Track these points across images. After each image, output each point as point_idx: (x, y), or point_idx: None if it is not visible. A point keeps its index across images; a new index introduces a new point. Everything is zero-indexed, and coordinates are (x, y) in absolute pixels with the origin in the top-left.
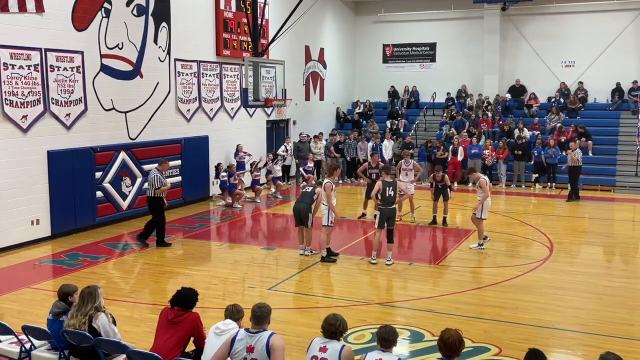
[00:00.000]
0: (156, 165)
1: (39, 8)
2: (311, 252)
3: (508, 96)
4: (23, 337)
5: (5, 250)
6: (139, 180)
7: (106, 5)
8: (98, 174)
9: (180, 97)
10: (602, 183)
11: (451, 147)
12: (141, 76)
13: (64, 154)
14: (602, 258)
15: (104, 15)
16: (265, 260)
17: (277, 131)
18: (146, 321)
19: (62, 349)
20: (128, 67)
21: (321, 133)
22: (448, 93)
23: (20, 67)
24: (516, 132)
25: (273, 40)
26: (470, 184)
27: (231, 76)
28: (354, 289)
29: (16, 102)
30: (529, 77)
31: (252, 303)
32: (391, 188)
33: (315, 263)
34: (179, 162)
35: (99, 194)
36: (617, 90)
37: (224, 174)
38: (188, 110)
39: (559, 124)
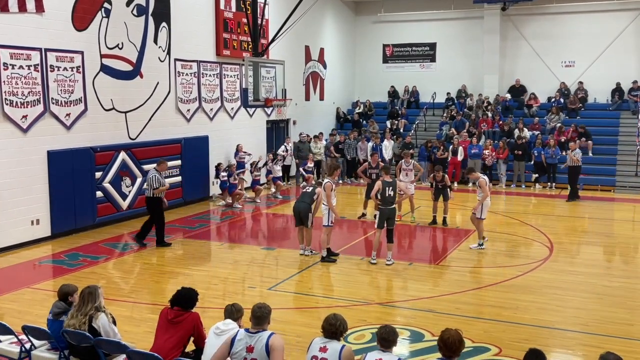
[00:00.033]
0: (155, 165)
1: (39, 8)
2: (311, 252)
3: (508, 96)
4: (23, 337)
5: (5, 250)
6: (139, 180)
7: (106, 5)
8: (98, 174)
9: (180, 97)
10: (602, 183)
11: (451, 147)
12: (141, 76)
13: (64, 154)
14: (602, 258)
15: (104, 15)
16: (265, 260)
17: (277, 131)
18: (146, 321)
19: (62, 349)
20: (128, 67)
21: (321, 133)
22: (448, 93)
23: (20, 67)
24: (516, 132)
25: (273, 40)
26: (470, 184)
27: (231, 76)
28: (354, 289)
29: (16, 102)
30: (529, 77)
31: (252, 303)
32: (391, 188)
33: (315, 263)
34: (179, 162)
35: (99, 194)
36: (617, 90)
37: (223, 173)
38: (188, 110)
39: (559, 124)
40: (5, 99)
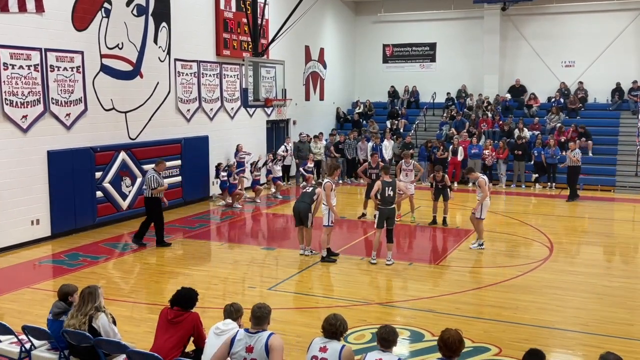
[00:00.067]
0: (153, 165)
1: (39, 8)
2: (311, 252)
3: (508, 96)
4: (23, 337)
5: (5, 250)
6: (139, 180)
7: (106, 5)
8: (98, 174)
9: (180, 97)
10: (602, 183)
11: (451, 147)
12: (141, 76)
13: (64, 154)
14: (602, 258)
15: (104, 15)
16: (265, 260)
17: (277, 131)
18: (146, 321)
19: (62, 349)
20: (128, 67)
21: (321, 133)
22: (448, 93)
23: (20, 67)
24: (516, 132)
25: (273, 40)
26: (470, 184)
27: (231, 76)
28: (354, 289)
29: (16, 102)
30: (529, 77)
31: (252, 303)
32: (390, 188)
33: (315, 263)
34: (179, 162)
35: (99, 194)
36: (617, 90)
37: (223, 173)
38: (188, 110)
39: (559, 124)
40: (5, 99)
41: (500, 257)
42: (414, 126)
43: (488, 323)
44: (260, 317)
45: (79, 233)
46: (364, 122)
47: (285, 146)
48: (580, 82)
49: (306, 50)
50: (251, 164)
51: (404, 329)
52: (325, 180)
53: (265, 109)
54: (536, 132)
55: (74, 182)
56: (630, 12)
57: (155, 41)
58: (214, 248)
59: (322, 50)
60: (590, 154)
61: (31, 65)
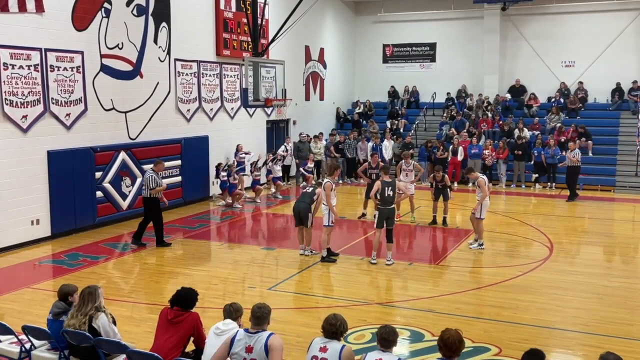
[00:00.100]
0: (152, 165)
1: (39, 8)
2: (311, 252)
3: (508, 96)
4: (23, 337)
5: (5, 250)
6: (139, 180)
7: (106, 5)
8: (98, 174)
9: (180, 97)
10: (602, 183)
11: (451, 147)
12: (141, 76)
13: (64, 154)
14: (602, 258)
15: (104, 15)
16: (265, 260)
17: (277, 131)
18: (146, 321)
19: (62, 349)
20: (128, 67)
21: (321, 133)
22: (448, 93)
23: (20, 67)
24: (516, 132)
25: (273, 40)
26: (470, 184)
27: (231, 76)
28: (354, 289)
29: (16, 102)
30: (529, 77)
31: (252, 303)
32: (390, 188)
33: (315, 263)
34: (179, 162)
35: (99, 194)
36: (617, 90)
37: (223, 173)
38: (188, 110)
39: (559, 124)
40: (5, 99)
41: (500, 257)
42: (414, 126)
43: (488, 323)
44: (260, 317)
45: (79, 233)
46: (364, 122)
47: (285, 146)
48: (580, 82)
49: (306, 50)
50: (251, 164)
51: (404, 329)
52: (325, 180)
53: (265, 109)
54: (536, 132)
55: (74, 182)
56: (630, 12)
57: (155, 41)
58: (214, 248)
59: (322, 50)
60: (590, 154)
61: (31, 65)
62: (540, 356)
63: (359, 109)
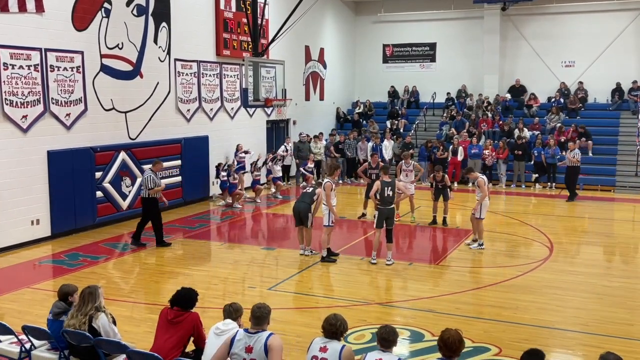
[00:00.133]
0: (150, 165)
1: (39, 8)
2: (311, 252)
3: (508, 96)
4: (23, 337)
5: (5, 250)
6: (138, 180)
7: (106, 5)
8: (98, 174)
9: (180, 97)
10: (602, 183)
11: (451, 147)
12: (141, 76)
13: (64, 154)
14: (602, 258)
15: (104, 15)
16: (265, 260)
17: (277, 131)
18: (146, 321)
19: (62, 349)
20: (128, 67)
21: (321, 133)
22: (448, 93)
23: (20, 67)
24: (516, 132)
25: (273, 40)
26: (470, 184)
27: (231, 76)
28: (354, 289)
29: (16, 102)
30: (529, 77)
31: (252, 303)
32: (389, 188)
33: (315, 263)
34: (179, 162)
35: (99, 194)
36: (617, 90)
37: (223, 173)
38: (188, 110)
39: (559, 124)
40: (5, 99)
41: (500, 257)
42: (414, 126)
43: (488, 323)
44: (260, 317)
45: (79, 233)
46: (364, 122)
47: (285, 146)
48: (580, 82)
49: (306, 50)
50: (251, 164)
51: (404, 329)
52: (326, 180)
53: (265, 109)
54: (536, 132)
55: (74, 182)
56: (630, 12)
57: (155, 41)
58: (214, 248)
59: (322, 50)
60: (590, 154)
61: (31, 65)
62: (540, 356)
63: (359, 109)
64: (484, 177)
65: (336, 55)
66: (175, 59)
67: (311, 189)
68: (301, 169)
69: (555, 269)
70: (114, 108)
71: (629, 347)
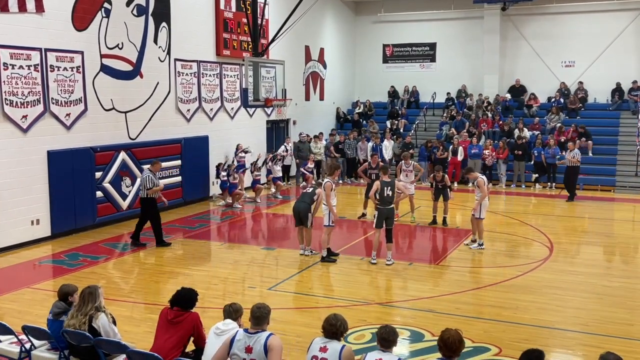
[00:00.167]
0: (148, 166)
1: (39, 8)
2: (311, 252)
3: (508, 96)
4: (23, 337)
5: (5, 250)
6: (139, 180)
7: (106, 5)
8: (98, 174)
9: (180, 97)
10: (602, 183)
11: (451, 147)
12: (141, 76)
13: (64, 154)
14: (602, 258)
15: (104, 15)
16: (265, 260)
17: (277, 131)
18: (146, 321)
19: (62, 349)
20: (128, 67)
21: (321, 133)
22: (448, 93)
23: (20, 67)
24: (516, 132)
25: (273, 40)
26: (470, 184)
27: (231, 76)
28: (354, 289)
29: (16, 102)
30: (529, 77)
31: (252, 303)
32: (389, 188)
33: (315, 263)
34: (179, 162)
35: (99, 194)
36: (617, 90)
37: (223, 173)
38: (188, 110)
39: (559, 124)
40: (5, 99)
41: (500, 257)
42: (414, 126)
43: (488, 323)
44: (260, 317)
45: (79, 233)
46: (364, 122)
47: (285, 146)
48: (580, 82)
49: (306, 50)
50: (251, 164)
51: (404, 329)
52: (326, 180)
53: (265, 109)
54: (536, 132)
55: (74, 182)
56: (630, 12)
57: (155, 41)
58: (214, 248)
59: (322, 50)
60: (590, 154)
61: (31, 65)
62: (539, 356)
63: (359, 109)
64: (484, 177)
65: (336, 55)
66: (175, 59)
67: (311, 189)
68: (301, 169)
69: (555, 269)
70: (114, 108)
71: (629, 347)
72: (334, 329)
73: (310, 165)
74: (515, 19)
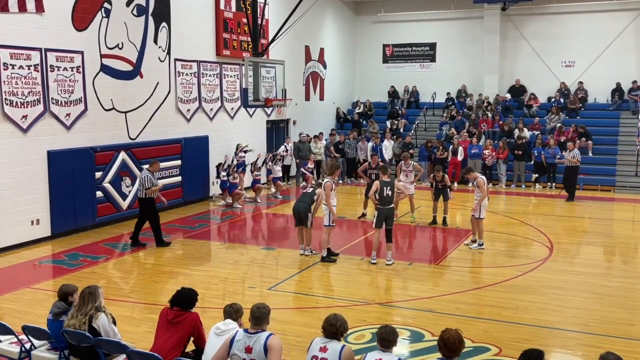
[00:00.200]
0: (147, 165)
1: (39, 8)
2: (311, 252)
3: (508, 96)
4: (23, 337)
5: (5, 250)
6: (138, 180)
7: (106, 5)
8: (98, 174)
9: (180, 97)
10: (602, 183)
11: (451, 147)
12: (141, 76)
13: (64, 154)
14: (602, 258)
15: (104, 15)
16: (265, 260)
17: (277, 131)
18: (146, 321)
19: (62, 349)
20: (128, 67)
21: (321, 133)
22: (448, 93)
23: (20, 67)
24: (516, 132)
25: (273, 40)
26: (470, 184)
27: (231, 76)
28: (354, 289)
29: (16, 102)
30: (529, 77)
31: (252, 303)
32: (389, 188)
33: (315, 263)
34: (179, 162)
35: (99, 194)
36: (617, 90)
37: (223, 173)
38: (188, 110)
39: (559, 124)
40: (5, 99)
41: (500, 257)
42: (414, 126)
43: (488, 323)
44: (260, 317)
45: (79, 233)
46: (364, 122)
47: (285, 146)
48: (580, 82)
49: (306, 50)
50: (251, 164)
51: (404, 329)
52: (326, 180)
53: (265, 109)
54: (536, 132)
55: (74, 182)
56: (630, 12)
57: (155, 41)
58: (214, 248)
59: (322, 50)
60: (590, 154)
61: (31, 65)
62: (538, 356)
63: (359, 109)
64: (484, 177)
65: (336, 55)
66: (175, 59)
67: (311, 189)
68: (301, 169)
69: (555, 269)
70: (114, 108)
71: (629, 347)
72: (334, 329)
73: (310, 165)
74: (515, 19)
